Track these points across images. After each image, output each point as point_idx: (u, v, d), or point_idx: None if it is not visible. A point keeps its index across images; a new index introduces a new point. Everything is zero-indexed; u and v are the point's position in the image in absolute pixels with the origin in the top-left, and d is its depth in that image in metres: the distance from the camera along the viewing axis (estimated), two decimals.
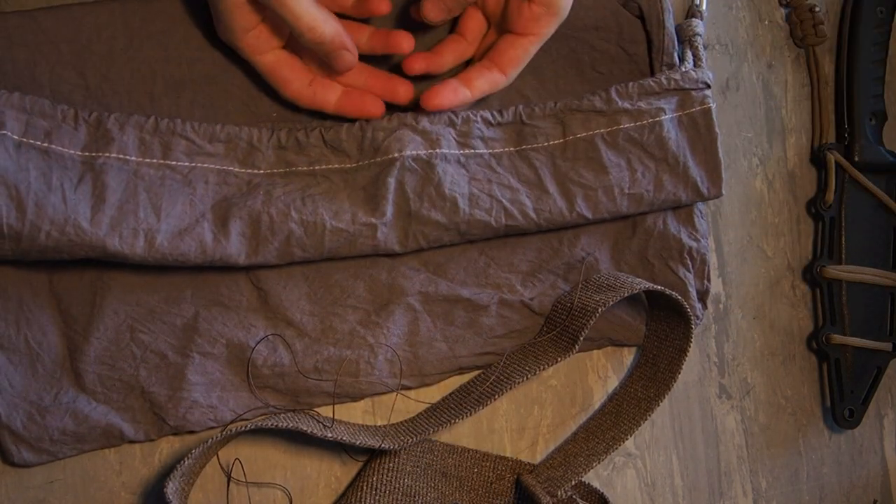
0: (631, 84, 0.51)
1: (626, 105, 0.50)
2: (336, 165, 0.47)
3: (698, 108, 0.52)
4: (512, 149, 0.49)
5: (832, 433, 0.61)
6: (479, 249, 0.51)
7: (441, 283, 0.50)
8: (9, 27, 0.44)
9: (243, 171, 0.46)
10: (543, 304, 0.52)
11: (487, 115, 0.49)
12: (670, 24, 0.53)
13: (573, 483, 0.51)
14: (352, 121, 0.48)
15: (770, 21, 0.60)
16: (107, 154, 0.43)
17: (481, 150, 0.49)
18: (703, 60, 0.53)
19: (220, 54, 0.47)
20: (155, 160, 0.44)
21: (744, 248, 0.59)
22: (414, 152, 0.46)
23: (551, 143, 0.50)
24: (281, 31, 0.45)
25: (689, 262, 0.54)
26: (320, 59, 0.46)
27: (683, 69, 0.52)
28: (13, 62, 0.44)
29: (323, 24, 0.43)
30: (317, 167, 0.47)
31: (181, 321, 0.47)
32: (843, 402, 0.59)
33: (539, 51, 0.49)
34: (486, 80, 0.48)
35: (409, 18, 0.49)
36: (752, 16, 0.59)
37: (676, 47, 0.54)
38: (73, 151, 0.42)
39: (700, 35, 0.54)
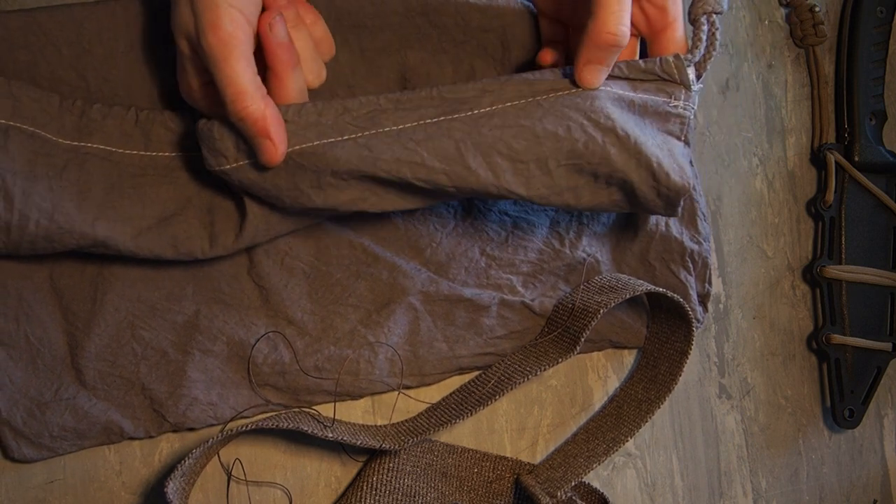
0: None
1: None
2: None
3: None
4: (428, 121, 0.42)
5: (832, 433, 0.61)
6: (480, 250, 0.51)
7: (442, 283, 0.50)
8: (10, 28, 0.44)
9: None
10: (544, 305, 0.52)
11: (396, 94, 0.42)
12: None
13: (573, 484, 0.51)
14: None
15: (770, 21, 0.60)
16: (90, 144, 0.43)
17: (388, 129, 0.41)
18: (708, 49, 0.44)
19: None
20: (137, 152, 0.44)
21: (744, 248, 0.59)
22: (299, 147, 0.40)
23: (475, 112, 0.42)
24: None
25: (690, 265, 0.54)
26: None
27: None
28: (14, 63, 0.44)
29: (250, 100, 0.37)
30: None
31: (182, 318, 0.47)
32: (843, 402, 0.59)
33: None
34: None
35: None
36: (752, 16, 0.59)
37: None
38: (57, 139, 0.42)
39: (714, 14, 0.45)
